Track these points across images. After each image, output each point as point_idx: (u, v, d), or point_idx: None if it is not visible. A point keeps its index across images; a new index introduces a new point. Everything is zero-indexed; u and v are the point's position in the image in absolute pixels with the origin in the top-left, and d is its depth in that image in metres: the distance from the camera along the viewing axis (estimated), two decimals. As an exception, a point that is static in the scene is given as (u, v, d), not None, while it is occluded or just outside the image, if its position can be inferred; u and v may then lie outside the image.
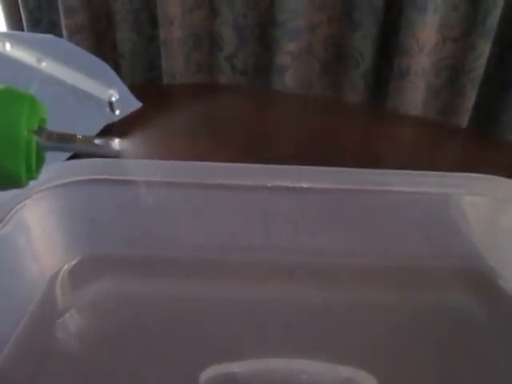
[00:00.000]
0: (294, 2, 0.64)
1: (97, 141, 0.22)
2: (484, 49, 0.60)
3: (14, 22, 0.82)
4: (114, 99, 0.19)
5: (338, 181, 0.35)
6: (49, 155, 0.22)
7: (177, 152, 0.49)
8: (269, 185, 0.35)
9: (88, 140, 0.22)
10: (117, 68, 0.76)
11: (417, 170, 0.37)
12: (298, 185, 0.35)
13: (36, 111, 0.20)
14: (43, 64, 0.17)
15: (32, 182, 0.22)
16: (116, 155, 0.22)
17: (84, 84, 0.19)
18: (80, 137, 0.21)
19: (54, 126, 0.22)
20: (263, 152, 0.50)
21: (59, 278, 0.34)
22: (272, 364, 0.29)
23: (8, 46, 0.16)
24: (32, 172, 0.21)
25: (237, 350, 0.30)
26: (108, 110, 0.20)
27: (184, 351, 0.30)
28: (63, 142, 0.21)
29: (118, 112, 0.19)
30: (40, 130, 0.20)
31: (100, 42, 0.78)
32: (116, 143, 0.22)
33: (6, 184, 0.21)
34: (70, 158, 0.40)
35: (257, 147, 0.51)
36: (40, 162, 0.22)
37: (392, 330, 0.32)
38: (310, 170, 0.36)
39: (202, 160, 0.36)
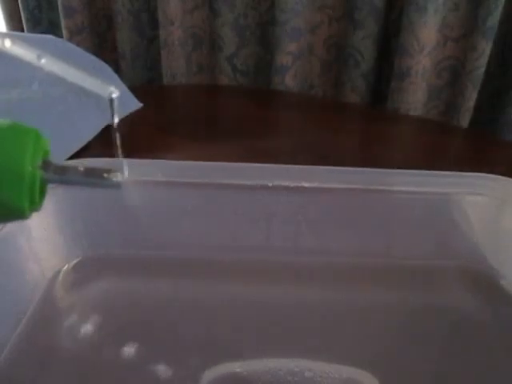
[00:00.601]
0: (295, 3, 0.64)
1: (99, 173, 0.22)
2: (485, 49, 0.60)
3: (14, 22, 0.82)
4: (114, 96, 0.19)
5: (339, 180, 0.35)
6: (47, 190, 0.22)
7: (177, 152, 0.49)
8: (270, 184, 0.35)
9: (90, 172, 0.22)
10: (117, 68, 0.76)
11: (418, 170, 0.37)
12: (298, 184, 0.35)
13: (40, 146, 0.20)
14: (43, 61, 0.17)
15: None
16: (117, 187, 0.22)
17: (84, 82, 0.19)
18: (82, 169, 0.22)
19: (55, 126, 0.22)
20: (264, 152, 0.50)
21: (59, 278, 0.34)
22: (273, 364, 0.29)
23: (7, 43, 0.16)
24: (35, 204, 0.21)
25: (238, 350, 0.30)
26: (109, 108, 0.20)
27: (185, 351, 0.30)
28: (66, 174, 0.22)
29: (118, 110, 0.20)
30: (44, 165, 0.21)
31: (100, 42, 0.78)
32: (118, 176, 0.22)
33: (10, 217, 0.21)
34: (70, 158, 0.40)
35: (257, 147, 0.51)
36: (42, 193, 0.22)
37: (393, 330, 0.32)
38: (311, 170, 0.36)
39: (202, 160, 0.36)
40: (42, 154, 0.21)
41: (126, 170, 0.22)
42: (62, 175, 0.22)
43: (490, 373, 0.30)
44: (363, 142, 0.56)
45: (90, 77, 0.19)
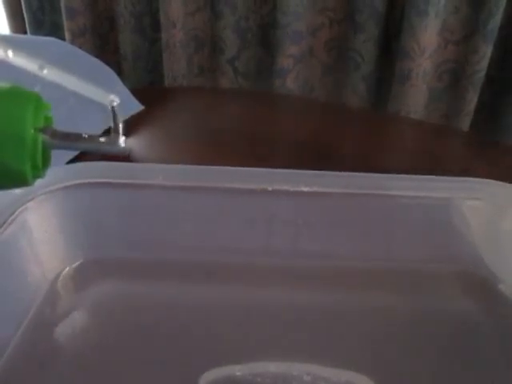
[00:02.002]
0: (296, 5, 0.65)
1: (102, 139, 0.22)
2: (485, 52, 0.60)
3: (17, 24, 0.82)
4: (115, 104, 0.20)
5: (339, 185, 0.35)
6: (51, 158, 0.22)
7: (178, 155, 0.49)
8: (269, 188, 0.35)
9: (93, 138, 0.22)
10: (119, 70, 0.76)
11: (418, 173, 0.37)
12: (298, 188, 0.35)
13: (41, 109, 0.20)
14: (45, 71, 0.17)
15: (34, 184, 0.22)
16: (121, 153, 0.22)
17: (86, 89, 0.19)
18: (86, 135, 0.22)
19: (57, 127, 0.22)
20: (264, 155, 0.50)
21: (61, 280, 0.35)
22: (272, 367, 0.29)
23: (10, 53, 0.16)
24: (38, 170, 0.21)
25: (237, 353, 0.30)
26: (110, 115, 0.20)
27: (184, 354, 0.30)
28: (69, 140, 0.21)
29: (120, 119, 0.20)
30: (46, 128, 0.20)
31: (102, 44, 0.79)
32: (121, 141, 0.22)
33: (12, 182, 0.21)
34: (71, 161, 0.40)
35: (258, 150, 0.51)
36: (46, 160, 0.22)
37: (392, 334, 0.32)
38: (311, 174, 0.36)
39: (203, 163, 0.36)
40: (43, 119, 0.20)
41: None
42: (65, 141, 0.21)
43: (489, 377, 0.30)
44: (364, 145, 0.56)
45: (92, 84, 0.19)
